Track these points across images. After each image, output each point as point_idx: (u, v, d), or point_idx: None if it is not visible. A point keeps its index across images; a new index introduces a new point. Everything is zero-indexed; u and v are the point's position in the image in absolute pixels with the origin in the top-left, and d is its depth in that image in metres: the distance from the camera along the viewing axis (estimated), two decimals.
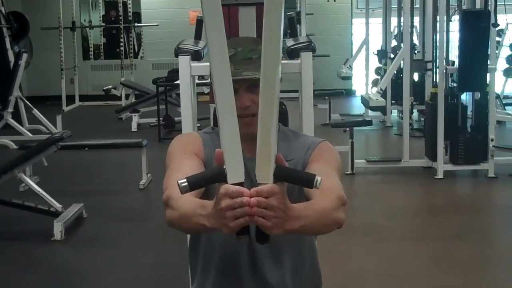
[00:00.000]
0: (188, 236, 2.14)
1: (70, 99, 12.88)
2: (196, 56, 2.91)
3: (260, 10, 2.76)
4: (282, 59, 2.83)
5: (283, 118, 2.24)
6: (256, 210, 1.51)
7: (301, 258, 2.03)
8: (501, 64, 10.71)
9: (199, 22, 3.30)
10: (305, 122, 2.84)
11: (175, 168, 1.92)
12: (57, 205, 5.39)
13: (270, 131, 1.51)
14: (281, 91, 2.41)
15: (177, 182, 1.56)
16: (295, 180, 1.58)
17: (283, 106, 2.37)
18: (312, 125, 2.84)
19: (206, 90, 9.82)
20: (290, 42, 2.99)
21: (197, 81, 3.36)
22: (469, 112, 7.34)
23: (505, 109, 10.35)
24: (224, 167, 1.56)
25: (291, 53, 2.88)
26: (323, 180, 1.59)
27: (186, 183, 1.56)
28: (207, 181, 1.61)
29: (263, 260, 1.97)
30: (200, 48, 2.95)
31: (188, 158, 1.94)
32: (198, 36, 3.26)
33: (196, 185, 1.59)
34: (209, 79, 2.94)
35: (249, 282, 1.98)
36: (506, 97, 11.42)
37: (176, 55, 2.89)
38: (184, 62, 2.87)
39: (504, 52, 11.44)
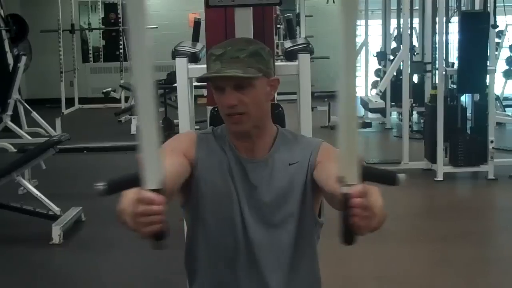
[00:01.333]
0: (185, 238, 2.13)
1: (70, 102, 12.87)
2: (193, 58, 2.90)
3: (257, 12, 2.75)
4: (280, 61, 2.83)
5: (280, 120, 2.23)
6: (359, 211, 1.48)
7: (300, 262, 2.01)
8: (501, 66, 10.70)
9: (197, 24, 3.29)
10: (303, 124, 2.83)
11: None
12: (56, 209, 5.38)
13: (355, 132, 1.47)
14: (278, 93, 2.41)
15: (95, 185, 1.55)
16: (380, 179, 1.58)
17: (280, 108, 2.35)
18: (310, 127, 2.83)
19: (205, 92, 9.81)
20: (287, 44, 2.98)
21: (195, 83, 3.35)
22: (468, 114, 7.33)
23: (505, 111, 10.35)
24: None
25: (289, 55, 2.87)
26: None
27: (105, 187, 1.55)
28: (126, 185, 1.59)
29: (262, 263, 1.96)
30: (197, 50, 2.94)
31: (173, 155, 1.90)
32: (195, 38, 3.24)
33: (114, 189, 1.56)
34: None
35: (247, 284, 1.97)
36: (506, 98, 11.42)
37: (174, 57, 2.88)
38: (181, 64, 2.85)
39: (504, 53, 11.44)
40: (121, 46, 13.39)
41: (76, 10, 13.93)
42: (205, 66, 2.86)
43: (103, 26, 14.76)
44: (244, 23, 2.59)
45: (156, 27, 13.66)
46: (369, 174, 1.54)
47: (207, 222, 1.98)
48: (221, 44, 2.00)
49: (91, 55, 14.54)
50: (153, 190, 1.48)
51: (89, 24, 14.55)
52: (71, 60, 13.31)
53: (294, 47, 2.87)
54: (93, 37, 14.70)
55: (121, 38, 13.36)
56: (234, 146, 1.99)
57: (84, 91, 13.89)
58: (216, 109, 2.31)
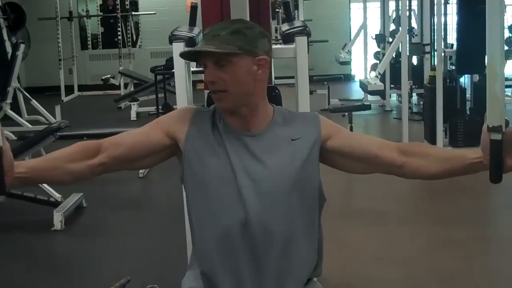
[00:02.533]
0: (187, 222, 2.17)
1: (69, 89, 12.86)
2: (191, 42, 2.91)
3: None
4: (277, 44, 2.83)
5: (276, 102, 2.24)
6: None
7: (300, 235, 2.01)
8: None
9: (194, 9, 3.29)
10: (301, 107, 2.84)
11: (136, 129, 2.11)
12: (57, 195, 5.40)
13: (497, 82, 1.72)
14: (277, 77, 2.42)
15: None
16: None
17: (277, 91, 2.37)
18: (308, 110, 2.84)
19: (203, 77, 9.79)
20: (285, 27, 2.98)
21: (193, 68, 3.36)
22: (468, 95, 7.33)
23: (504, 91, 10.33)
24: None
25: (286, 38, 2.88)
26: (374, 142, 2.08)
27: None
28: None
29: (259, 235, 1.96)
30: (194, 35, 2.95)
31: (153, 129, 2.07)
32: (192, 23, 3.24)
33: None
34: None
35: (247, 265, 1.97)
36: (506, 79, 11.38)
37: (171, 42, 2.88)
38: (178, 49, 2.86)
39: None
40: (119, 33, 13.36)
41: None
42: None
43: (101, 13, 14.72)
44: (239, 7, 2.59)
45: (155, 13, 13.64)
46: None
47: (201, 198, 2.00)
48: (212, 24, 2.05)
49: (89, 42, 14.50)
50: None
51: (87, 11, 14.50)
52: (69, 47, 13.29)
53: (291, 30, 2.88)
54: (91, 24, 14.66)
55: (119, 24, 13.32)
56: (229, 122, 2.02)
57: (83, 78, 13.89)
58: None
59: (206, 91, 2.62)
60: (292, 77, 3.03)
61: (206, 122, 2.05)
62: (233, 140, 2.01)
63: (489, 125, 1.77)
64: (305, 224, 2.03)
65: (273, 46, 2.50)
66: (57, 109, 9.53)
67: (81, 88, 13.39)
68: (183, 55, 2.08)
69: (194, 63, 3.43)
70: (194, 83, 3.08)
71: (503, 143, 1.78)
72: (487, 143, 1.81)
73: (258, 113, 2.03)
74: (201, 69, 2.38)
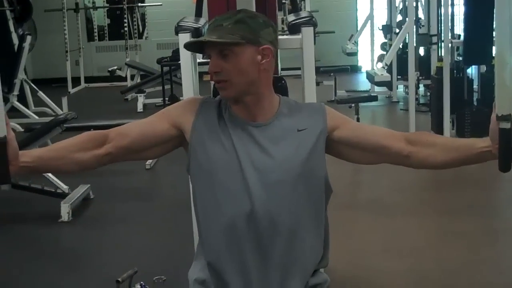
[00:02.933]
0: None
1: (76, 81, 12.86)
2: (197, 33, 2.90)
3: None
4: (283, 35, 2.83)
5: (283, 93, 2.24)
6: None
7: (305, 226, 2.01)
8: None
9: (200, 0, 3.28)
10: (307, 98, 2.83)
11: (143, 120, 2.11)
12: (64, 187, 5.41)
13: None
14: (283, 68, 2.41)
15: None
16: None
17: (283, 81, 2.36)
18: (315, 99, 2.83)
19: None
20: (291, 18, 2.97)
21: (200, 60, 3.36)
22: (475, 86, 7.31)
23: None
24: None
25: (292, 29, 2.87)
26: (382, 133, 2.10)
27: None
28: None
29: (264, 225, 1.96)
30: (200, 25, 2.94)
31: (159, 119, 2.09)
32: (198, 14, 3.23)
33: None
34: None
35: (253, 256, 1.97)
36: None
37: (177, 33, 2.88)
38: (184, 40, 2.85)
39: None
40: (125, 24, 13.35)
41: None
42: None
43: (108, 5, 14.71)
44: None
45: (161, 4, 13.63)
46: None
47: (207, 189, 2.01)
48: (215, 17, 2.05)
49: (96, 34, 14.50)
50: None
51: (93, 2, 14.50)
52: (76, 39, 13.28)
53: (297, 21, 2.87)
54: (97, 16, 14.65)
55: (126, 16, 13.31)
56: (234, 112, 2.02)
57: (89, 70, 13.88)
58: None
59: (213, 82, 2.61)
60: (299, 68, 3.03)
61: (212, 112, 2.05)
62: (238, 130, 2.01)
63: (498, 114, 1.78)
64: (311, 215, 2.02)
65: (279, 37, 2.49)
66: (64, 100, 9.54)
67: (88, 79, 13.39)
68: (187, 46, 2.09)
69: (201, 55, 3.42)
70: (201, 74, 3.06)
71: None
72: (496, 132, 1.82)
73: (264, 103, 2.03)
74: (207, 60, 2.37)
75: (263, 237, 1.96)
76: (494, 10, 1.73)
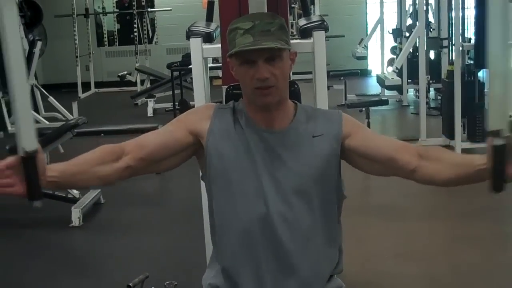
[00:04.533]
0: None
1: (86, 86, 12.91)
2: (208, 38, 2.90)
3: None
4: (293, 39, 2.82)
5: (295, 97, 2.23)
6: None
7: (320, 232, 2.01)
8: None
9: (211, 4, 3.27)
10: (319, 102, 2.82)
11: (159, 130, 2.08)
12: (75, 192, 5.42)
13: (508, 89, 1.64)
14: (294, 73, 2.41)
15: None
16: None
17: (296, 86, 2.35)
18: (327, 104, 2.82)
19: (221, 73, 9.80)
20: (302, 22, 2.96)
21: (210, 64, 3.35)
22: (486, 89, 7.26)
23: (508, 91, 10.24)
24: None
25: (304, 33, 2.86)
26: (393, 144, 2.00)
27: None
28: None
29: (280, 233, 1.96)
30: (211, 30, 2.93)
31: (176, 127, 2.04)
32: (209, 18, 3.23)
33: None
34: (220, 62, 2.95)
35: (268, 262, 1.97)
36: None
37: (188, 38, 2.87)
38: (195, 44, 2.85)
39: None
40: (135, 29, 13.39)
41: None
42: (219, 45, 2.87)
43: (117, 10, 14.75)
44: (257, 2, 2.58)
45: (171, 10, 13.65)
46: None
47: (223, 194, 2.00)
48: (244, 17, 2.02)
49: (106, 39, 14.55)
50: (24, 156, 1.69)
51: (103, 8, 14.55)
52: (86, 44, 13.32)
53: (309, 25, 2.86)
54: (107, 21, 14.70)
55: (135, 21, 13.35)
56: (252, 118, 2.01)
57: (99, 75, 13.92)
58: (232, 87, 2.32)
59: (224, 87, 2.60)
60: (308, 73, 3.02)
61: (228, 118, 2.04)
62: (255, 136, 2.00)
63: (489, 129, 1.66)
64: (326, 221, 2.02)
65: (291, 41, 2.48)
66: (74, 106, 9.57)
67: (98, 85, 13.43)
68: (237, 53, 1.95)
69: (210, 59, 3.42)
70: (211, 79, 3.06)
71: (505, 149, 1.65)
72: (489, 149, 1.70)
73: (284, 108, 2.04)
74: (218, 65, 2.36)
75: (278, 243, 1.95)
76: (487, 22, 1.66)
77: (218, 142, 2.00)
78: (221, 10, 2.86)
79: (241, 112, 2.05)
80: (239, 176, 1.97)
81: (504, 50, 1.63)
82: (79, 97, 12.25)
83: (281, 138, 2.00)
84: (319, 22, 2.84)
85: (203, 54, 2.86)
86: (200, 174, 2.11)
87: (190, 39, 2.86)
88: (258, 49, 1.90)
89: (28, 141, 1.68)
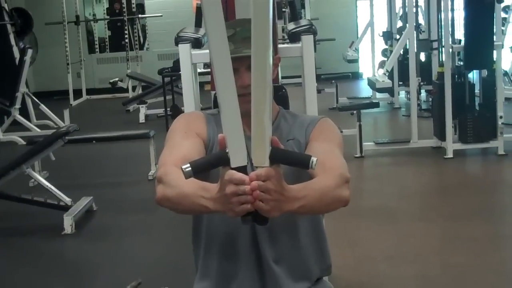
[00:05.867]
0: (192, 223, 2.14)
1: (77, 93, 12.89)
2: (197, 43, 2.90)
3: None
4: (284, 43, 2.82)
5: (283, 102, 2.23)
6: (257, 194, 1.52)
7: (304, 241, 2.02)
8: (508, 41, 10.62)
9: (199, 10, 3.29)
10: (308, 106, 2.83)
11: (174, 145, 1.95)
12: (67, 199, 5.40)
13: (264, 114, 1.52)
14: (283, 77, 2.41)
15: (181, 168, 1.58)
16: (291, 162, 1.61)
17: (283, 90, 2.36)
18: (316, 108, 2.83)
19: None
20: (291, 26, 2.97)
21: (200, 70, 3.35)
22: (476, 90, 7.29)
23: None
24: (227, 150, 1.56)
25: (292, 37, 2.87)
26: (324, 158, 1.63)
27: (190, 168, 1.57)
28: (211, 166, 1.63)
29: (263, 238, 1.97)
30: (200, 36, 2.94)
31: (189, 137, 1.96)
32: (198, 24, 3.24)
33: (200, 170, 1.61)
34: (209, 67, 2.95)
35: (250, 265, 1.98)
36: None
37: (177, 43, 2.88)
38: (184, 50, 2.86)
39: (511, 28, 11.34)
40: (126, 36, 13.38)
41: (80, 1, 13.91)
42: (208, 51, 2.87)
43: (108, 17, 14.74)
44: (244, 5, 2.58)
45: (161, 16, 13.65)
46: (281, 157, 1.58)
47: None
48: (226, 24, 2.02)
49: (97, 46, 14.53)
50: (239, 168, 1.56)
51: (94, 15, 14.54)
52: (77, 51, 13.31)
53: (297, 29, 2.87)
54: (98, 28, 14.68)
55: (126, 27, 13.34)
56: None
57: (91, 82, 13.90)
58: None
59: (213, 92, 2.61)
60: (298, 77, 3.02)
61: (218, 123, 2.03)
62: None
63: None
64: (308, 222, 2.03)
65: (280, 46, 2.49)
66: (66, 113, 9.55)
67: (89, 91, 13.41)
68: None
69: (201, 64, 3.42)
70: (202, 84, 3.06)
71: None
72: None
73: None
74: (207, 70, 2.36)
75: (264, 245, 1.97)
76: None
77: (215, 145, 1.99)
78: None
79: None
80: None
81: (263, 82, 1.55)
82: (71, 105, 12.24)
83: None
84: (307, 26, 2.86)
85: (192, 60, 2.87)
86: None
87: (179, 45, 2.87)
88: (237, 57, 1.90)
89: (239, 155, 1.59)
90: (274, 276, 1.98)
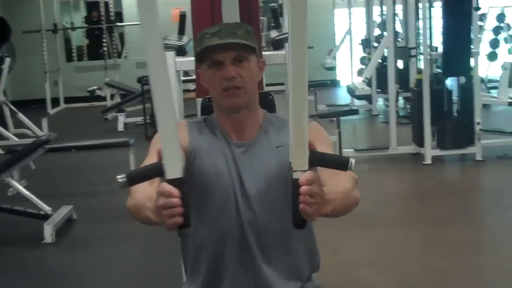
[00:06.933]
0: None
1: (55, 102, 12.83)
2: (181, 51, 2.92)
3: (244, 2, 2.76)
4: (267, 51, 2.85)
5: (270, 108, 2.25)
6: (305, 199, 1.55)
7: (295, 245, 2.04)
8: (485, 49, 10.74)
9: (182, 18, 3.30)
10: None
11: (149, 157, 1.95)
12: (47, 208, 5.37)
13: (303, 118, 1.52)
14: (267, 85, 2.43)
15: (116, 178, 1.59)
16: (329, 164, 1.63)
17: (270, 96, 2.37)
18: None
19: (192, 87, 9.79)
20: (274, 34, 3.00)
21: (183, 78, 3.36)
22: (454, 97, 7.37)
23: (489, 93, 10.40)
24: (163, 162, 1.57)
25: (276, 44, 2.89)
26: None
27: (125, 179, 1.57)
28: (146, 177, 1.62)
29: (253, 245, 1.98)
30: (184, 43, 2.96)
31: None
32: (181, 31, 3.26)
33: (135, 181, 1.60)
34: (194, 75, 2.97)
35: (238, 276, 1.99)
36: (490, 80, 11.47)
37: None
38: (168, 58, 2.87)
39: (487, 36, 11.49)
40: (105, 44, 13.34)
41: (58, 10, 13.86)
42: (192, 58, 2.89)
43: (86, 25, 14.70)
44: (232, 14, 2.61)
45: (139, 24, 13.61)
46: (321, 160, 1.60)
47: (202, 207, 2.00)
48: (212, 26, 2.04)
49: (75, 54, 14.47)
50: (174, 180, 1.54)
51: (72, 23, 14.48)
52: (55, 60, 13.26)
53: (281, 36, 2.90)
54: (76, 36, 14.63)
55: (105, 36, 13.30)
56: (224, 130, 2.02)
57: (69, 90, 13.81)
58: (207, 99, 2.33)
59: (199, 99, 2.62)
60: (280, 84, 3.04)
61: (204, 133, 2.04)
62: (228, 150, 2.00)
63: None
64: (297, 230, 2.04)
65: (264, 53, 2.51)
66: (44, 122, 9.49)
67: (68, 100, 13.33)
68: (202, 51, 1.96)
69: (184, 71, 3.43)
70: (182, 92, 3.08)
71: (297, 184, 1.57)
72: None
73: (254, 117, 2.04)
74: (188, 78, 2.37)
75: (255, 248, 1.98)
76: None
77: (202, 157, 1.99)
78: (195, 23, 2.88)
79: (214, 125, 2.05)
80: (220, 189, 1.98)
81: (300, 87, 1.56)
82: (49, 113, 12.17)
83: (248, 153, 2.01)
84: None
85: (176, 67, 2.88)
86: None
87: None
88: (224, 45, 1.92)
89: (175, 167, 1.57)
90: (266, 277, 1.99)
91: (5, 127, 9.50)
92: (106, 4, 13.32)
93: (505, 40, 12.08)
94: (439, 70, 7.28)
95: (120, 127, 10.30)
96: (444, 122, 7.00)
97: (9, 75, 10.64)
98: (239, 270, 1.99)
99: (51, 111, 12.49)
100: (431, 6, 7.36)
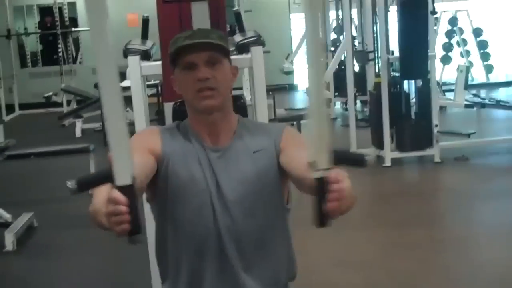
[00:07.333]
0: (153, 238, 2.12)
1: (10, 108, 12.63)
2: (145, 55, 2.90)
3: (214, 6, 2.76)
4: (232, 55, 2.85)
5: (242, 111, 2.25)
6: (336, 196, 1.52)
7: (273, 250, 2.04)
8: (438, 52, 10.91)
9: (145, 22, 3.28)
10: (259, 117, 2.86)
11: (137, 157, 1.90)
12: (6, 215, 5.29)
13: (324, 116, 1.50)
14: (234, 89, 2.43)
15: (66, 183, 1.56)
16: (350, 162, 1.63)
17: (242, 100, 2.38)
18: (267, 119, 2.87)
19: (149, 92, 9.73)
20: (238, 38, 3.00)
21: (147, 82, 3.34)
22: (412, 100, 7.47)
23: (445, 95, 10.57)
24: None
25: (241, 48, 2.89)
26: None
27: (75, 185, 1.55)
28: (96, 183, 1.60)
29: (231, 251, 1.98)
30: (148, 48, 2.94)
31: (138, 153, 1.85)
32: (145, 36, 3.23)
33: (85, 186, 1.57)
34: (159, 80, 2.96)
35: (220, 277, 1.99)
36: (444, 83, 11.65)
37: (125, 56, 2.87)
38: (133, 62, 2.85)
39: (440, 39, 11.68)
40: (59, 50, 13.18)
41: (11, 15, 13.65)
42: (157, 63, 2.88)
43: (40, 30, 14.50)
44: (201, 18, 2.61)
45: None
46: (342, 158, 1.58)
47: (178, 214, 1.99)
48: (186, 30, 2.04)
49: (29, 60, 14.26)
50: (124, 187, 1.49)
51: (25, 28, 14.27)
52: (9, 65, 13.06)
53: (245, 40, 2.90)
54: (30, 42, 14.42)
55: (59, 41, 13.14)
56: (198, 134, 2.01)
57: (24, 96, 13.60)
58: (179, 103, 2.32)
59: (168, 104, 2.61)
60: (239, 88, 3.05)
61: (177, 139, 2.02)
62: (203, 155, 2.00)
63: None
64: (275, 230, 2.05)
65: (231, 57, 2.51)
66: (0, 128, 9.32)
67: (23, 106, 13.13)
68: (177, 51, 1.96)
69: (149, 77, 3.40)
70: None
71: (323, 183, 1.53)
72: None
73: (228, 121, 2.03)
74: (155, 82, 2.36)
75: (232, 256, 1.97)
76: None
77: (175, 163, 1.97)
78: (161, 27, 2.87)
79: (187, 130, 2.04)
80: (195, 195, 1.97)
81: (322, 81, 1.53)
82: (3, 120, 11.94)
83: (223, 158, 2.00)
84: (255, 38, 2.89)
85: (141, 72, 2.86)
86: (145, 196, 2.07)
87: (128, 57, 2.86)
88: (197, 45, 1.93)
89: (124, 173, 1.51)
90: (244, 284, 1.99)
91: None
92: (60, 9, 13.16)
93: (458, 43, 12.33)
94: (396, 74, 7.38)
95: (78, 133, 10.19)
96: (403, 125, 7.10)
97: None
98: (218, 278, 1.99)
99: (6, 117, 12.27)
100: (387, 10, 7.45)
